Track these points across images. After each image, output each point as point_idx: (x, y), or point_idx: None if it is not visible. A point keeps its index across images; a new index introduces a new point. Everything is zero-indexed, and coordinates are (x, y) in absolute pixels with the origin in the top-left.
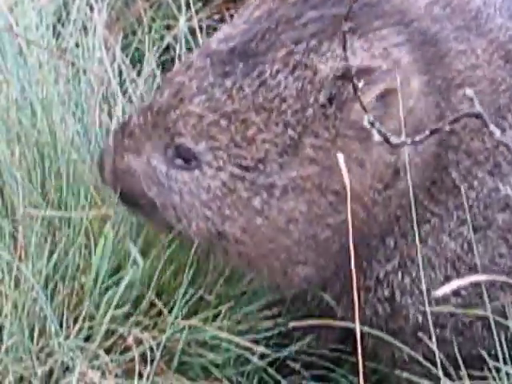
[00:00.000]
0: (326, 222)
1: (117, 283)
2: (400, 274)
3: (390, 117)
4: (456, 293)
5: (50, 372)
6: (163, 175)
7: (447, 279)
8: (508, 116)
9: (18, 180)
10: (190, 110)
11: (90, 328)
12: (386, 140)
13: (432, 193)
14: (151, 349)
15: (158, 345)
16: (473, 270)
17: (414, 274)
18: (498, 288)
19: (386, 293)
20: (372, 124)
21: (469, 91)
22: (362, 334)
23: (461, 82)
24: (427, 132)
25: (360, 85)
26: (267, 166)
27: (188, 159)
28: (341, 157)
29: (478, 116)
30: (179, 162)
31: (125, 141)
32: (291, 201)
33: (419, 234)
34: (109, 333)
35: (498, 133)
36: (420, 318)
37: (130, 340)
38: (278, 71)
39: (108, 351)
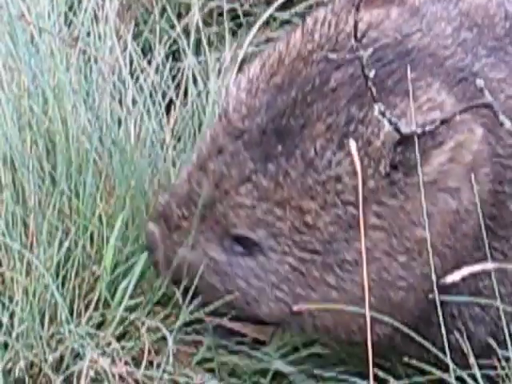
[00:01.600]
0: (399, 285)
1: (129, 272)
2: (470, 306)
3: (456, 168)
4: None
5: (61, 359)
6: (225, 264)
7: None
8: None
9: (30, 168)
10: (238, 202)
11: (102, 315)
12: (397, 130)
13: (492, 229)
14: (164, 338)
15: (171, 333)
16: None
17: (477, 311)
18: None
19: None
20: (383, 114)
21: (479, 81)
22: None
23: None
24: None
25: (428, 145)
26: (334, 244)
27: (247, 246)
28: (352, 144)
29: (487, 106)
30: (239, 249)
31: (173, 235)
32: (362, 272)
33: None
34: (120, 321)
35: (508, 123)
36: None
37: (143, 329)
38: (323, 148)
39: (119, 339)
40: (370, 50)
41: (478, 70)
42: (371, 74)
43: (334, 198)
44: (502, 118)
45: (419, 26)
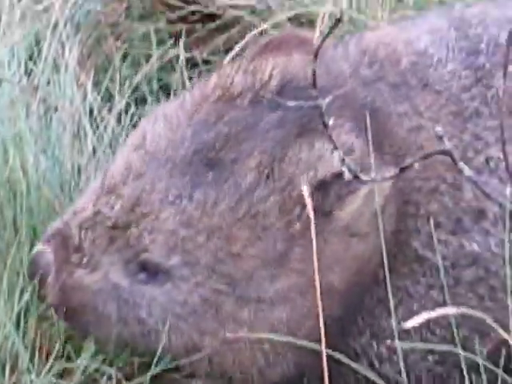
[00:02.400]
0: (305, 324)
1: None
2: (375, 344)
3: (367, 211)
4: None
5: None
6: (126, 291)
7: (425, 341)
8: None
9: None
10: (157, 227)
11: (63, 364)
12: (356, 177)
13: (394, 267)
14: None
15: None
16: (447, 327)
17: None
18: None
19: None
20: (343, 161)
21: (438, 128)
22: None
23: (405, 151)
24: (397, 170)
25: (342, 193)
26: (255, 279)
27: (153, 272)
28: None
29: (446, 153)
30: (142, 276)
31: (71, 255)
32: (277, 311)
33: (388, 308)
34: (83, 370)
35: (466, 170)
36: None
37: (103, 380)
38: (252, 184)
39: None
40: (330, 97)
41: (379, 105)
42: (330, 122)
43: (262, 232)
44: (460, 165)
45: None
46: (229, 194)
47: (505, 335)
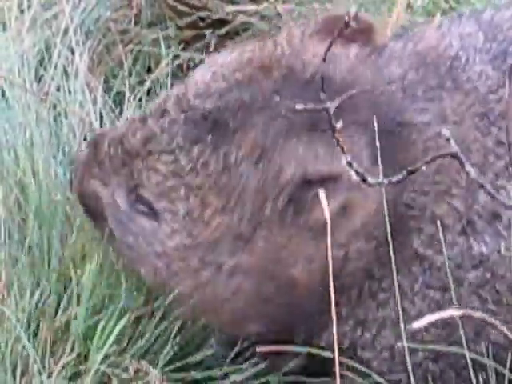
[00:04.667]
0: (268, 302)
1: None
2: (360, 331)
3: (347, 226)
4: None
5: None
6: (124, 214)
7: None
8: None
9: (1, 220)
10: (155, 167)
11: (75, 366)
12: (363, 180)
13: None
14: None
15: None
16: (442, 326)
17: (374, 331)
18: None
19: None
20: (350, 164)
21: (444, 130)
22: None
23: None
24: (404, 172)
25: (322, 194)
26: (219, 246)
27: (148, 208)
28: (322, 193)
29: (453, 156)
30: (141, 207)
31: (94, 167)
32: (237, 280)
33: (376, 300)
34: (94, 372)
35: (473, 173)
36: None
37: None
38: (242, 159)
39: None
40: (337, 101)
41: (406, 118)
42: (338, 125)
43: (235, 205)
44: (468, 167)
45: (371, 70)
46: (219, 160)
47: (509, 335)
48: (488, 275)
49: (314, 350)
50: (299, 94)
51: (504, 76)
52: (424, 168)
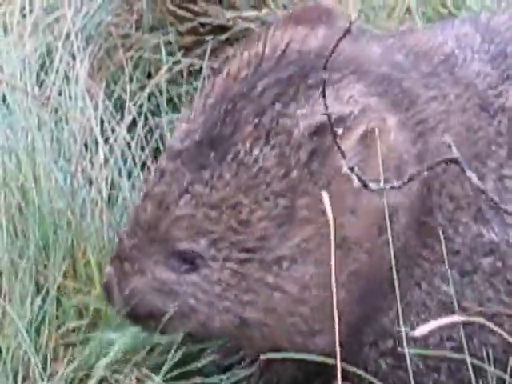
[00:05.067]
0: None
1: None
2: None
3: (373, 157)
4: (449, 337)
5: None
6: (175, 283)
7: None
8: (487, 162)
9: (3, 226)
10: (178, 215)
11: (75, 371)
12: (365, 186)
13: (421, 236)
14: None
15: None
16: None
17: (412, 319)
18: (487, 331)
19: (390, 344)
20: (351, 169)
21: (446, 137)
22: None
23: (435, 125)
24: (405, 178)
25: (339, 132)
26: (269, 241)
27: (192, 261)
28: (325, 195)
29: (455, 161)
30: (185, 267)
31: (124, 265)
32: (300, 266)
33: (413, 277)
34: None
35: (474, 178)
36: (421, 365)
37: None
38: (251, 147)
39: None
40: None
41: (408, 86)
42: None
43: (265, 190)
44: (469, 173)
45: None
46: (231, 164)
47: (510, 339)
48: (499, 264)
49: (313, 357)
50: (273, 68)
51: (503, 74)
52: (425, 173)
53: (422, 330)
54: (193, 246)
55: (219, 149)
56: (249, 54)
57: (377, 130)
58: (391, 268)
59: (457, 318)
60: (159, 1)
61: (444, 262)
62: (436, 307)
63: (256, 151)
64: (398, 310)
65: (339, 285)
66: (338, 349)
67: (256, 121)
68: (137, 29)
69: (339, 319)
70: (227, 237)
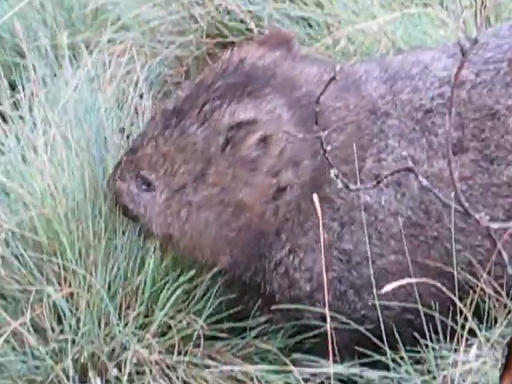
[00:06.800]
0: (231, 226)
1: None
2: (291, 257)
3: (269, 155)
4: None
5: (113, 350)
6: (136, 195)
7: (326, 258)
8: (368, 150)
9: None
10: (145, 152)
11: (146, 316)
12: (346, 186)
13: (311, 200)
14: (189, 335)
15: (194, 330)
16: (341, 252)
17: (301, 256)
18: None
19: (283, 270)
20: (336, 176)
21: (404, 153)
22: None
23: (333, 127)
24: (374, 182)
25: (243, 132)
26: (186, 189)
27: (148, 184)
28: (316, 197)
29: (410, 170)
30: (144, 187)
31: (117, 171)
32: (205, 212)
33: (303, 228)
34: (159, 323)
35: (424, 181)
36: (308, 287)
37: (174, 329)
38: (191, 124)
39: (155, 336)
40: (326, 132)
41: (323, 99)
42: (328, 148)
43: (191, 155)
44: (420, 178)
45: (292, 64)
46: (179, 131)
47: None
48: (372, 218)
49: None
50: (230, 73)
51: (391, 89)
52: (388, 178)
53: (387, 288)
54: (148, 175)
55: (178, 118)
56: (221, 62)
57: (274, 137)
58: (281, 222)
59: (411, 280)
60: (201, 58)
61: (327, 216)
62: (319, 248)
63: (194, 128)
64: (287, 249)
65: (234, 229)
66: (325, 292)
67: (201, 107)
68: (186, 77)
69: (235, 248)
70: (164, 177)
